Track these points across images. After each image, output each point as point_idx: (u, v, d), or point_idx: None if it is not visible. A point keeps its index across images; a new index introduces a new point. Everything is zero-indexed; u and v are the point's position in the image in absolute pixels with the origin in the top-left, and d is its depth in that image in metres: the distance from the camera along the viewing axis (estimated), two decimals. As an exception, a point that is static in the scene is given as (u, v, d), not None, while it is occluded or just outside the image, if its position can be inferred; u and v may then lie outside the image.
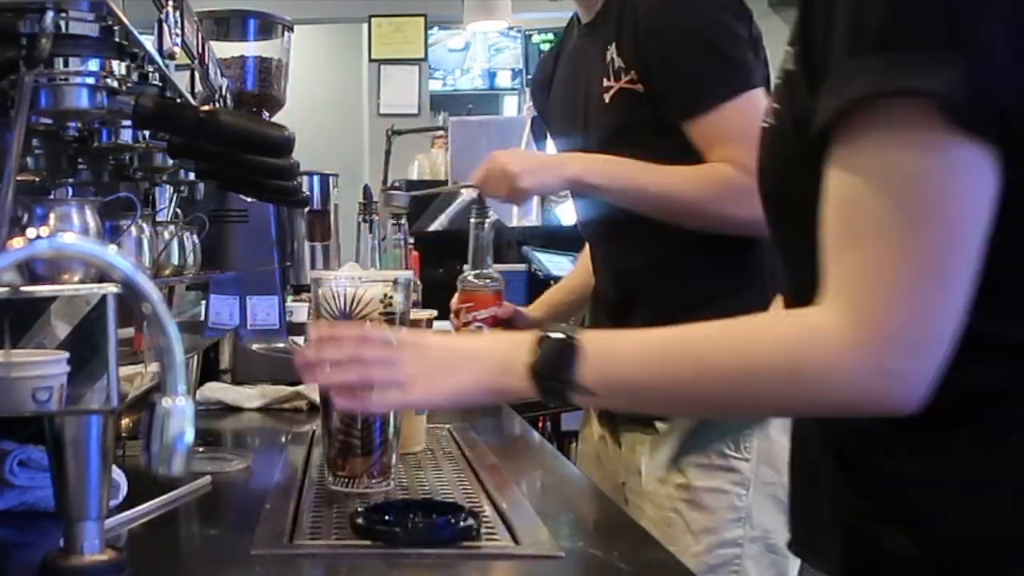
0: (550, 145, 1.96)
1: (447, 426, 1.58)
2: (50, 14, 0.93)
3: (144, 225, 1.39)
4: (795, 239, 0.92)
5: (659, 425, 1.56)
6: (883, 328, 0.80)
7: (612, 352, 0.93)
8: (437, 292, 2.12)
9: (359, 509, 1.05)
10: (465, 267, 1.75)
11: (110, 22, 1.00)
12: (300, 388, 1.77)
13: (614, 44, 1.55)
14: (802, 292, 0.87)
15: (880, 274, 0.81)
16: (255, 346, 1.96)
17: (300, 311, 2.52)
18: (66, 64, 1.01)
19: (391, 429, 1.20)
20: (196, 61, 1.29)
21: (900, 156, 0.79)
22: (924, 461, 0.87)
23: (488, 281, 1.72)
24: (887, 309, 0.80)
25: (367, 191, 3.67)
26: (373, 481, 1.19)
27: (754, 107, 1.42)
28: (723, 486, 1.52)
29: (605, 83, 1.57)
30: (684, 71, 1.50)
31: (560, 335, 0.93)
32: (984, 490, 0.85)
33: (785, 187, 0.92)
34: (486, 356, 0.99)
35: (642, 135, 1.55)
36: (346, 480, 1.19)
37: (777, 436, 1.48)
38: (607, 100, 1.57)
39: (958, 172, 0.78)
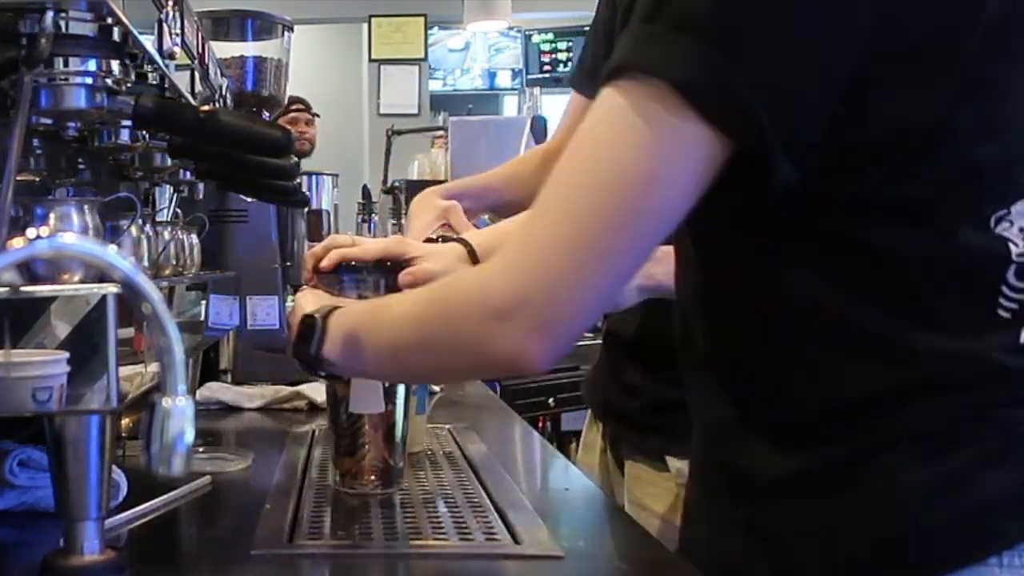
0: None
1: (447, 426, 1.58)
2: (50, 14, 0.93)
3: (144, 225, 1.39)
4: None
5: (669, 460, 1.39)
6: (505, 273, 0.81)
7: (339, 327, 0.98)
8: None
9: None
10: None
11: (110, 22, 1.00)
12: (300, 388, 1.78)
13: None
14: None
15: (539, 218, 0.80)
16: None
17: (300, 311, 2.51)
18: (66, 64, 1.01)
19: (398, 431, 1.19)
20: (196, 61, 1.29)
21: (613, 119, 0.78)
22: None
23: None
24: (519, 256, 0.81)
25: (366, 191, 3.67)
26: (380, 483, 1.18)
27: None
28: None
29: None
30: None
31: (312, 314, 0.99)
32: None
33: None
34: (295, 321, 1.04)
35: None
36: (351, 482, 1.19)
37: None
38: None
39: (672, 151, 0.76)
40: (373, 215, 3.13)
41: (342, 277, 1.13)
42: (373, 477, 1.18)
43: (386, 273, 1.14)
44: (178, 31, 1.12)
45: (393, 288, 1.13)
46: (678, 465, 1.37)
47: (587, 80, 1.63)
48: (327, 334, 0.98)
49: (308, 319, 1.00)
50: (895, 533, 0.81)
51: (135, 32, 1.01)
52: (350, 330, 0.97)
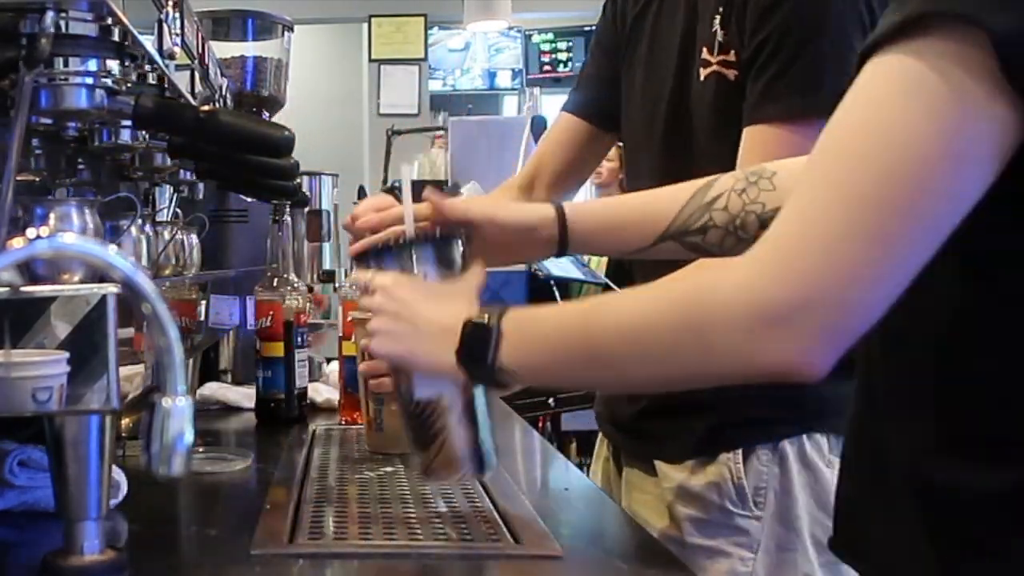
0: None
1: (447, 426, 1.58)
2: (50, 14, 0.93)
3: (144, 225, 1.39)
4: None
5: (658, 465, 1.36)
6: (778, 272, 0.71)
7: (527, 331, 0.89)
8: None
9: None
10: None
11: (110, 22, 1.00)
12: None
13: (720, 11, 1.23)
14: None
15: (812, 210, 0.71)
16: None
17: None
18: (66, 64, 1.01)
19: (479, 406, 1.00)
20: (196, 61, 1.29)
21: (902, 84, 0.68)
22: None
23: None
24: (796, 253, 0.71)
25: (362, 192, 3.68)
26: (472, 469, 1.02)
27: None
28: (723, 547, 1.29)
29: (704, 55, 1.26)
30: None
31: (481, 320, 0.89)
32: None
33: None
34: (434, 330, 0.93)
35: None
36: (439, 473, 1.03)
37: (800, 493, 1.26)
38: (701, 78, 1.27)
39: (975, 124, 0.67)
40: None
41: (384, 257, 1.00)
42: (459, 465, 1.01)
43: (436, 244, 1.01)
44: (178, 31, 1.13)
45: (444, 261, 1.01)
46: (667, 471, 1.35)
47: (583, 106, 1.54)
48: (504, 340, 0.87)
49: (476, 325, 0.89)
50: None
51: (135, 32, 1.01)
52: (545, 336, 0.87)
